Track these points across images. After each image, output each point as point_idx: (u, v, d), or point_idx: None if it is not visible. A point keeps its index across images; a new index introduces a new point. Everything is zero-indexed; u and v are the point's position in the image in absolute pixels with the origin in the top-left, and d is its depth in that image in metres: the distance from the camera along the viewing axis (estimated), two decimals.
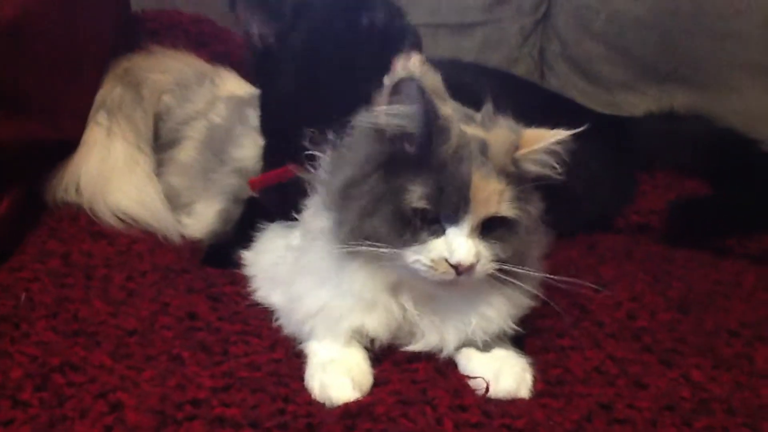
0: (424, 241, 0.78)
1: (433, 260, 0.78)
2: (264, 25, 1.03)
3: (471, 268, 0.78)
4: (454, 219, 0.77)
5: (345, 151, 0.84)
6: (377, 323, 0.83)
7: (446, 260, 0.77)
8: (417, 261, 0.78)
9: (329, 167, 0.85)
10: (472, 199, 0.77)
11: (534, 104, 1.32)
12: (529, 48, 1.73)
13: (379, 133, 0.80)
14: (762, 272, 1.16)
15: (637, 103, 1.58)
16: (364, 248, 0.78)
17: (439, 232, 0.78)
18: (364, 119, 0.82)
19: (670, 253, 1.24)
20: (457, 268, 0.77)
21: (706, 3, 1.52)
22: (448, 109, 0.82)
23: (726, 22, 1.50)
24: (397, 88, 0.78)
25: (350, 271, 0.81)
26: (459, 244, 0.77)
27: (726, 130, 1.40)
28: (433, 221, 0.78)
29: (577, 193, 1.20)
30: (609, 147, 1.35)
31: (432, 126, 0.77)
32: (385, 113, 0.79)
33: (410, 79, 0.78)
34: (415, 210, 0.78)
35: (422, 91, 0.77)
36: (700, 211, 1.32)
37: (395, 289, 0.83)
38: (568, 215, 1.08)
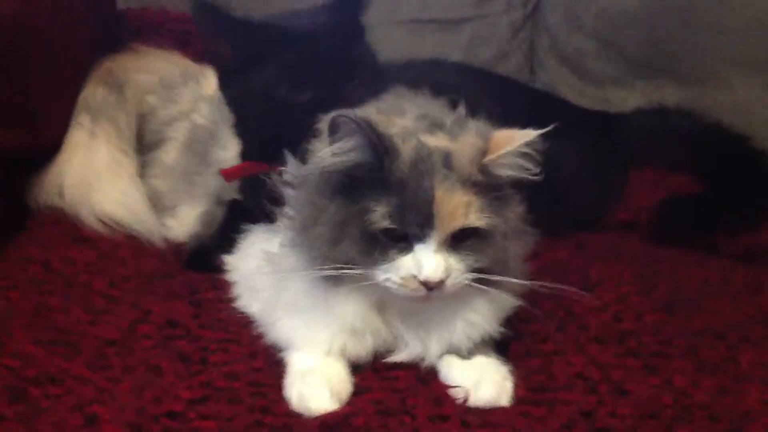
0: (392, 260, 0.77)
1: (402, 278, 0.77)
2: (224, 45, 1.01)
3: (441, 283, 0.77)
4: (421, 235, 0.76)
5: (301, 190, 0.83)
6: (360, 347, 0.83)
7: (415, 277, 0.77)
8: (387, 279, 0.77)
9: (293, 204, 0.84)
10: (437, 213, 0.76)
11: (518, 103, 1.31)
12: (519, 43, 1.71)
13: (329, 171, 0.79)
14: (749, 272, 1.15)
15: (626, 98, 1.56)
16: (330, 272, 0.78)
17: (408, 249, 0.77)
18: (311, 167, 0.81)
19: (659, 252, 1.23)
20: (427, 285, 0.76)
21: None
22: (402, 123, 0.81)
23: (717, 17, 1.48)
24: (333, 127, 0.77)
25: (338, 301, 0.81)
26: (427, 261, 0.76)
27: (716, 126, 1.39)
28: (400, 239, 0.77)
29: (563, 192, 1.19)
30: (596, 144, 1.34)
31: (379, 148, 0.76)
32: (330, 155, 0.77)
33: (342, 114, 0.77)
34: (380, 230, 0.77)
35: (358, 121, 0.76)
36: (688, 209, 1.31)
37: (381, 307, 0.83)
38: (554, 214, 1.07)
